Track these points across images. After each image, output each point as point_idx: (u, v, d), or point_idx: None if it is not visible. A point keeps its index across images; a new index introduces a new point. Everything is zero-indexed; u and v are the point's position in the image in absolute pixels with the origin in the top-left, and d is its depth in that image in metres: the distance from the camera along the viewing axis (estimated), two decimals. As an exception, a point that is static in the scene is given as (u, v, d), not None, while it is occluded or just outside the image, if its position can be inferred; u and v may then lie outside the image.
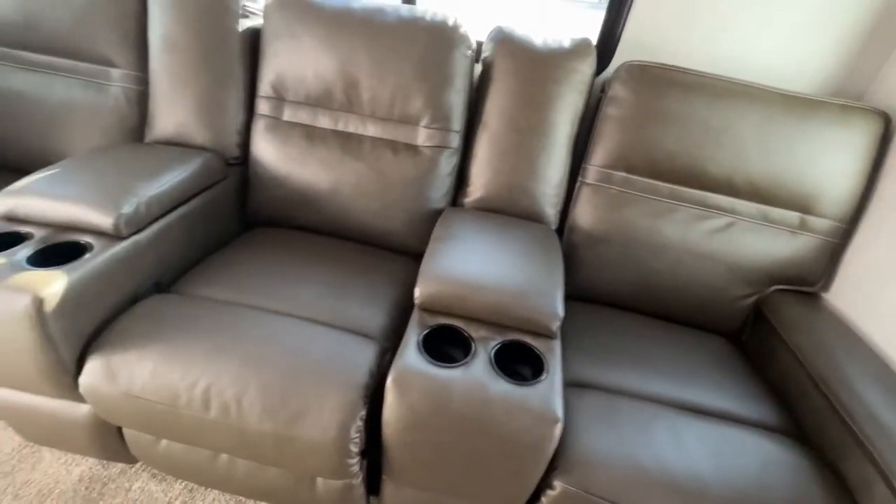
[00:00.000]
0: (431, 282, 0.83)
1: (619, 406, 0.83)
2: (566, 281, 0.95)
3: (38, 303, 0.71)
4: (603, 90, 1.12)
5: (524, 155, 1.09)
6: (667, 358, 0.99)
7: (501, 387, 0.71)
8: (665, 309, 1.12)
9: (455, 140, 1.11)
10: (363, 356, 0.82)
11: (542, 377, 0.75)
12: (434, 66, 1.05)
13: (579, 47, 1.08)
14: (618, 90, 1.07)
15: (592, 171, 1.10)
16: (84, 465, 1.04)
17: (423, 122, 1.09)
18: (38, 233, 0.85)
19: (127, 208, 0.86)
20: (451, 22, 1.05)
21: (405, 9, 1.07)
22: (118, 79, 1.18)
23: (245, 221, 1.23)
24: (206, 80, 1.12)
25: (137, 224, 0.89)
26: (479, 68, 1.14)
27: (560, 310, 0.82)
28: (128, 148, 1.09)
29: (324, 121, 1.13)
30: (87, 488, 1.00)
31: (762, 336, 1.08)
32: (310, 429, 0.73)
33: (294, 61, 1.09)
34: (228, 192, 1.16)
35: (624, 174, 1.08)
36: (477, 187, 1.12)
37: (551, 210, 1.12)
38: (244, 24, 1.12)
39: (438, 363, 0.73)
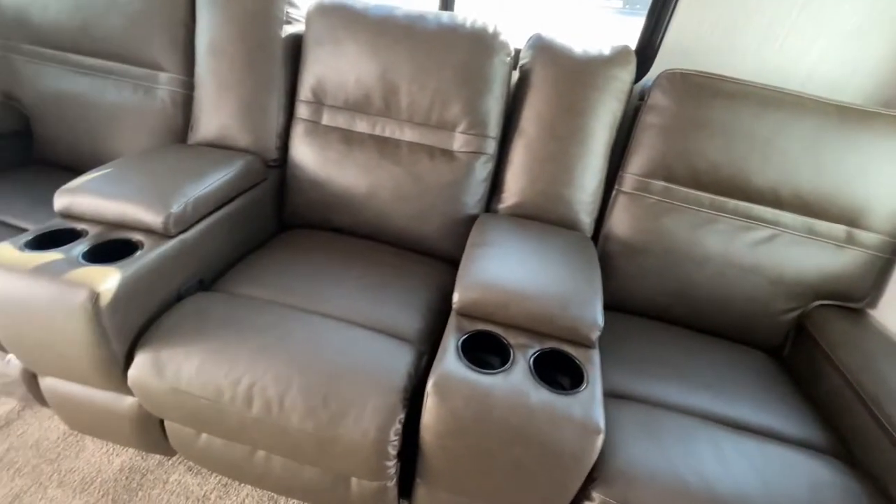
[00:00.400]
0: (471, 287, 0.83)
1: (660, 419, 0.82)
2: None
3: (95, 297, 0.74)
4: (642, 98, 1.11)
5: (561, 162, 1.08)
6: (707, 371, 0.97)
7: (543, 395, 0.71)
8: (704, 322, 1.09)
9: (491, 146, 1.11)
10: (401, 359, 0.83)
11: (582, 387, 0.74)
12: (473, 72, 1.06)
13: (619, 55, 1.07)
14: (658, 98, 1.05)
15: (630, 180, 1.08)
16: (125, 456, 1.07)
17: (460, 127, 1.10)
18: (91, 230, 0.88)
19: (176, 208, 0.89)
20: (490, 29, 1.06)
21: (446, 16, 1.08)
22: (165, 82, 1.22)
23: (282, 222, 1.25)
24: (249, 84, 1.15)
25: (185, 223, 0.92)
26: (516, 75, 1.14)
27: (600, 319, 0.81)
28: (174, 149, 1.13)
29: (361, 125, 1.14)
30: (127, 478, 1.03)
31: (805, 352, 1.04)
32: (350, 429, 0.74)
33: (335, 66, 1.12)
34: (267, 194, 1.19)
35: (663, 183, 1.06)
36: (512, 193, 1.12)
37: (587, 218, 1.11)
38: (287, 30, 1.14)
39: (479, 369, 0.73)
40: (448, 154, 1.11)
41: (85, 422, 0.99)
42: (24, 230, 1.05)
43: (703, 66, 1.05)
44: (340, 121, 1.15)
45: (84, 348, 0.78)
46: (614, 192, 1.11)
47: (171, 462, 1.07)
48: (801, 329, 1.07)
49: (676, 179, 1.06)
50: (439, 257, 1.16)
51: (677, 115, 1.04)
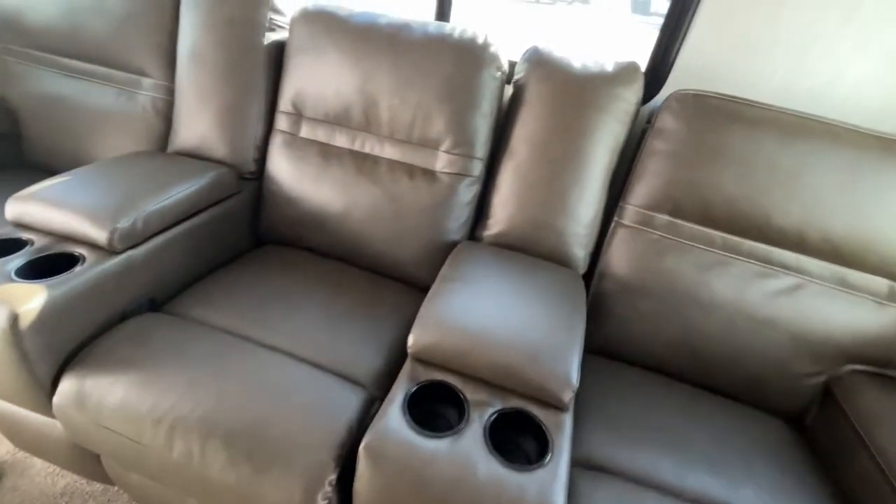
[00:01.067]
0: (429, 329, 0.73)
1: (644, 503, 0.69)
2: (592, 332, 0.82)
3: (13, 318, 0.68)
4: (649, 121, 0.98)
5: (553, 188, 0.97)
6: (711, 441, 0.83)
7: (493, 469, 0.60)
8: (711, 379, 0.95)
9: (477, 168, 1.01)
10: (346, 407, 0.73)
11: (545, 460, 0.62)
12: (459, 87, 0.96)
13: (625, 72, 0.96)
14: (667, 121, 0.93)
15: (631, 212, 0.96)
16: (69, 478, 1.01)
17: (444, 146, 1.00)
18: (38, 241, 0.83)
19: (124, 223, 0.83)
20: (480, 40, 0.97)
21: (433, 25, 1.00)
22: (148, 88, 1.18)
23: (257, 237, 1.18)
24: (228, 93, 1.09)
25: (133, 239, 0.85)
26: (510, 91, 1.04)
27: (575, 379, 0.69)
28: (145, 158, 1.08)
29: (341, 139, 1.07)
30: (67, 503, 0.97)
31: (832, 424, 0.88)
32: (273, 488, 0.65)
33: (315, 76, 1.05)
34: (242, 207, 1.12)
35: (668, 218, 0.94)
36: (498, 221, 1.01)
37: (580, 252, 0.99)
38: (270, 37, 1.08)
39: (423, 431, 0.63)
40: (430, 174, 1.02)
41: (26, 441, 0.93)
42: (-15, 235, 1.01)
43: (722, 88, 0.93)
44: (319, 134, 1.08)
45: (6, 370, 0.72)
46: (613, 225, 0.99)
47: (115, 489, 1.00)
48: (827, 396, 0.91)
49: (684, 214, 0.93)
50: (415, 285, 1.06)
51: (688, 142, 0.91)
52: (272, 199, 1.11)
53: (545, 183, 0.98)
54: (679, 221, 0.93)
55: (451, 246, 1.02)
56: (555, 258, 0.98)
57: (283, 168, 1.09)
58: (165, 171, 1.01)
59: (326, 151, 1.07)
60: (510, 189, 1.00)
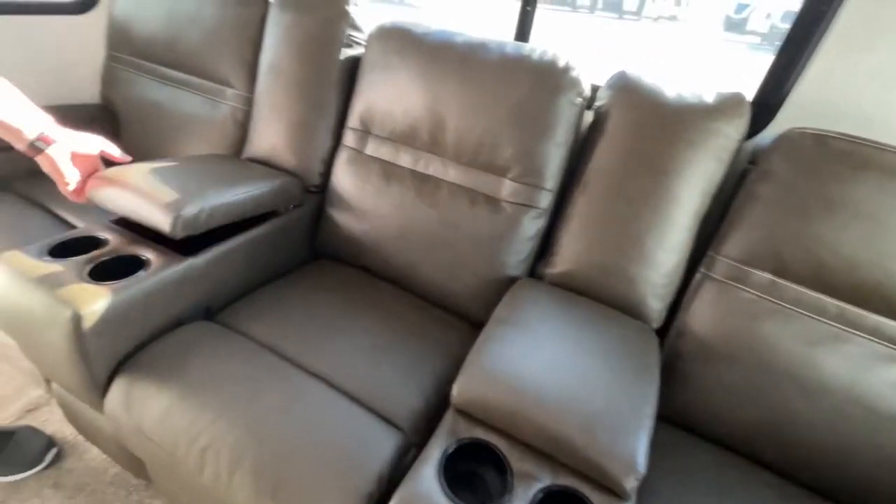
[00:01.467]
0: (475, 381, 0.66)
1: None
2: (662, 395, 0.71)
3: (77, 320, 0.70)
4: (753, 161, 0.85)
5: (630, 229, 0.87)
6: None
7: (534, 563, 0.51)
8: (810, 474, 0.79)
9: (545, 200, 0.93)
10: (380, 451, 0.68)
11: (598, 561, 0.53)
12: (532, 112, 0.89)
13: (727, 104, 0.84)
14: (776, 164, 0.80)
15: (722, 265, 0.83)
16: (119, 468, 1.05)
17: (511, 174, 0.94)
18: (112, 240, 0.87)
19: (188, 211, 0.83)
20: (560, 63, 0.89)
21: (511, 46, 0.94)
22: (230, 98, 1.23)
23: (314, 251, 1.18)
24: (301, 106, 1.10)
25: (196, 228, 0.85)
26: (590, 118, 0.95)
27: (642, 463, 0.59)
28: (219, 158, 1.11)
29: (404, 159, 1.03)
30: (113, 492, 1.00)
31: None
32: (294, 533, 0.61)
33: (385, 94, 1.03)
34: (302, 220, 1.13)
35: (770, 276, 0.80)
36: (564, 259, 0.92)
37: (656, 304, 0.88)
38: (346, 52, 1.08)
39: (457, 501, 0.56)
40: (493, 202, 0.96)
41: (83, 428, 0.98)
42: (73, 227, 1.09)
43: (846, 128, 0.78)
44: (384, 152, 1.06)
45: (67, 366, 0.75)
46: (699, 277, 0.86)
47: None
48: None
49: (790, 274, 0.79)
50: (467, 319, 1.00)
51: (802, 189, 0.77)
52: (332, 215, 1.11)
53: (621, 222, 0.87)
54: (783, 282, 0.79)
55: (510, 282, 0.94)
56: (626, 307, 0.88)
57: (346, 184, 1.08)
58: (237, 172, 1.03)
59: (389, 171, 1.04)
60: (581, 226, 0.91)
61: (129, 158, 0.88)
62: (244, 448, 0.66)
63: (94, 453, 1.08)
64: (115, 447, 0.90)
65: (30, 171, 1.27)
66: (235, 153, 1.24)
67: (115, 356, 0.78)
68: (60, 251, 0.82)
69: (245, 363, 0.78)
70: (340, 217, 1.09)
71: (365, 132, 1.07)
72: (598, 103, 0.95)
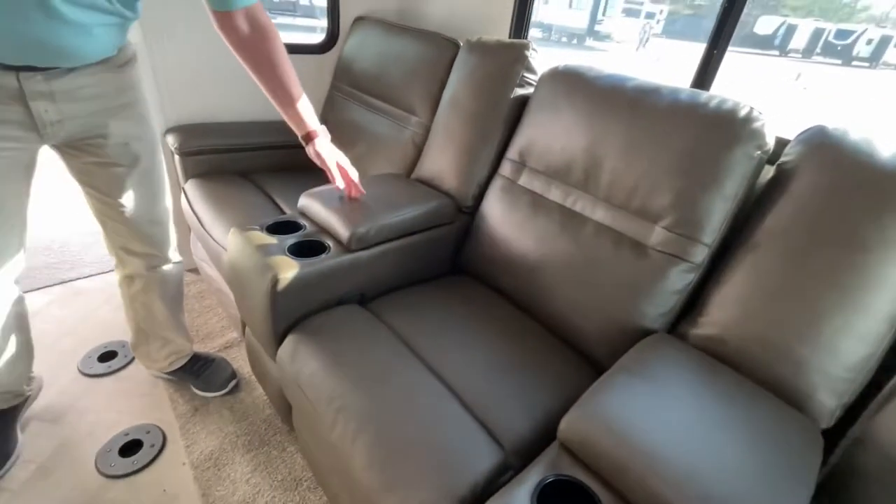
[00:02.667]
0: (586, 420, 0.65)
1: None
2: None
3: (274, 281, 0.91)
4: None
5: (808, 306, 0.75)
6: None
7: None
8: None
9: (700, 254, 0.87)
10: (480, 464, 0.71)
11: None
12: (699, 161, 0.85)
13: (975, 174, 0.67)
14: None
15: (937, 371, 0.66)
16: (272, 411, 1.28)
17: (664, 222, 0.89)
18: (309, 227, 1.10)
19: (361, 229, 1.02)
20: (741, 113, 0.83)
21: (686, 92, 0.91)
22: (413, 125, 1.44)
23: (457, 266, 1.29)
24: (470, 135, 1.23)
25: (365, 243, 1.04)
26: (770, 173, 0.86)
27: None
28: (393, 180, 1.31)
29: (555, 194, 1.07)
30: (265, 429, 1.23)
31: None
32: (392, 506, 0.68)
33: (547, 131, 1.09)
34: (451, 236, 1.24)
35: None
36: (713, 322, 0.84)
37: (829, 400, 0.73)
38: (517, 91, 1.18)
39: (544, 530, 0.56)
40: (639, 248, 0.92)
41: (258, 371, 1.23)
42: (283, 212, 1.40)
43: None
44: (536, 185, 1.11)
45: (260, 316, 0.97)
46: (897, 379, 0.69)
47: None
48: None
49: None
50: (590, 361, 0.97)
51: None
52: (478, 236, 1.20)
53: (797, 296, 0.76)
54: None
55: (644, 333, 0.89)
56: (785, 394, 0.75)
57: (495, 210, 1.16)
58: (404, 193, 1.21)
59: (538, 202, 1.09)
60: (742, 290, 0.82)
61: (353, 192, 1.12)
62: (369, 420, 0.76)
63: (259, 393, 1.34)
64: (275, 392, 1.11)
65: (268, 167, 1.66)
66: (408, 170, 1.44)
67: (291, 317, 0.98)
68: (274, 228, 1.07)
69: (382, 348, 0.90)
70: (485, 239, 1.17)
71: (521, 164, 1.15)
72: (784, 159, 0.85)
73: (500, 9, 1.43)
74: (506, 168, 1.18)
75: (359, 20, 1.71)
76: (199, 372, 1.31)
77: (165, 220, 1.12)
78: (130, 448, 1.15)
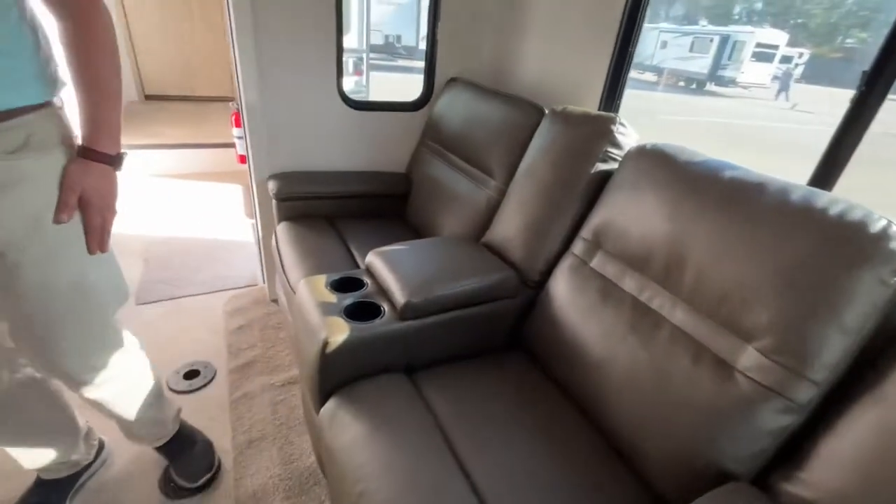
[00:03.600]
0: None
1: None
2: None
3: (325, 344, 0.93)
4: None
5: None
6: None
7: None
8: None
9: (805, 394, 0.69)
10: None
11: None
12: (811, 280, 0.69)
13: None
14: None
15: None
16: (310, 461, 1.29)
17: (759, 343, 0.74)
18: (371, 285, 1.12)
19: (416, 298, 1.01)
20: (875, 227, 0.67)
21: (801, 192, 0.76)
22: (490, 187, 1.42)
23: (514, 341, 1.21)
24: (543, 207, 1.18)
25: (420, 312, 1.02)
26: (914, 303, 0.67)
27: None
28: (459, 244, 1.29)
29: (629, 283, 0.96)
30: (306, 479, 1.24)
31: None
32: None
33: (627, 213, 0.99)
34: (511, 310, 1.18)
35: None
36: (815, 482, 0.66)
37: None
38: (598, 167, 1.10)
39: None
40: (724, 368, 0.78)
41: (307, 417, 1.26)
42: (356, 263, 1.45)
43: None
44: (609, 270, 1.01)
45: (310, 371, 1.00)
46: None
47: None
48: None
49: None
50: (651, 493, 0.82)
51: None
52: (540, 314, 1.12)
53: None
54: None
55: (721, 475, 0.73)
56: None
57: (561, 290, 1.08)
58: (468, 261, 1.18)
59: (608, 290, 0.99)
60: (861, 451, 0.64)
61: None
62: (385, 514, 0.72)
63: (307, 438, 1.36)
64: (318, 444, 1.12)
65: (353, 214, 1.75)
66: (478, 234, 1.41)
67: (338, 378, 0.98)
68: (338, 285, 1.10)
69: (417, 434, 0.86)
70: (547, 320, 1.09)
71: (595, 245, 1.06)
72: (937, 288, 0.66)
73: (592, 77, 1.38)
74: (578, 247, 1.09)
75: (452, 81, 1.77)
76: (175, 454, 1.18)
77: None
78: (190, 470, 1.24)
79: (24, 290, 0.75)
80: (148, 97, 4.06)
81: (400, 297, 1.02)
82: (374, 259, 1.17)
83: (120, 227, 2.40)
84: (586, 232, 1.08)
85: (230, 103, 1.53)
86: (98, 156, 0.75)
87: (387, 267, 1.12)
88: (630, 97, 1.38)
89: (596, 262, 1.04)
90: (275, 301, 1.95)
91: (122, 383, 0.98)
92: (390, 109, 1.82)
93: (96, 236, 0.79)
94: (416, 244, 1.26)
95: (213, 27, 3.96)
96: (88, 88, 0.73)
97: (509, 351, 1.17)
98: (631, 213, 0.99)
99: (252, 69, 1.50)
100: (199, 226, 2.55)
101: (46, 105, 0.73)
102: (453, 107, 1.68)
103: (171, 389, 1.49)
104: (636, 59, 1.35)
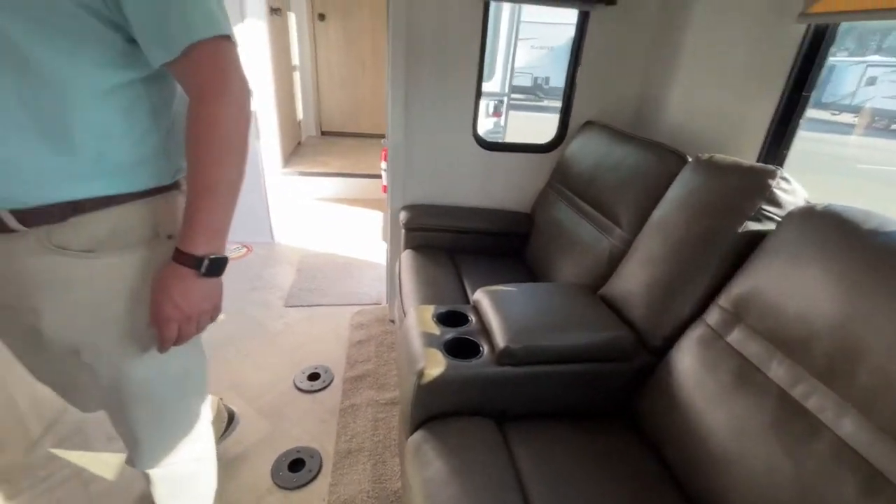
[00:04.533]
0: None
1: None
2: None
3: (421, 374, 0.95)
4: None
5: None
6: None
7: None
8: None
9: None
10: None
11: None
12: None
13: None
14: None
15: None
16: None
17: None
18: (475, 322, 1.12)
19: (516, 345, 0.98)
20: None
21: None
22: (614, 236, 1.33)
23: (622, 410, 1.08)
24: (673, 266, 1.05)
25: (518, 360, 0.99)
26: None
27: None
28: (574, 293, 1.22)
29: (776, 372, 0.78)
30: (391, 502, 1.27)
31: None
32: None
33: (781, 285, 0.82)
34: (622, 374, 1.05)
35: None
36: None
37: None
38: (748, 226, 0.95)
39: None
40: (913, 512, 0.57)
41: (399, 440, 1.29)
42: (467, 298, 1.47)
43: None
44: (751, 349, 0.84)
45: (406, 398, 1.03)
46: None
47: None
48: None
49: None
50: None
51: None
52: (656, 386, 0.98)
53: None
54: None
55: None
56: None
57: (686, 364, 0.93)
58: (580, 313, 1.11)
59: (748, 375, 0.82)
60: None
61: None
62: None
63: (398, 461, 1.40)
64: (403, 470, 1.14)
65: (473, 249, 1.80)
66: (597, 283, 1.31)
67: (430, 410, 1.00)
68: (443, 318, 1.13)
69: (496, 486, 0.82)
70: (663, 394, 0.95)
71: (735, 317, 0.89)
72: None
73: (751, 123, 1.21)
74: (713, 316, 0.94)
75: (588, 124, 1.73)
76: None
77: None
78: (296, 464, 1.37)
79: (99, 388, 0.75)
80: (323, 133, 4.83)
81: (500, 339, 1.00)
82: (481, 297, 1.17)
83: (283, 240, 2.83)
84: (725, 300, 0.93)
85: (383, 140, 1.73)
86: (183, 257, 0.65)
87: (493, 307, 1.11)
88: (815, 142, 1.17)
89: (734, 338, 0.88)
90: (392, 321, 2.08)
91: (178, 471, 0.93)
92: (522, 151, 1.85)
93: (166, 345, 0.70)
94: (528, 287, 1.23)
95: (379, 74, 4.57)
96: (192, 178, 0.64)
97: (613, 419, 1.05)
98: (787, 286, 0.82)
99: (400, 113, 1.68)
100: (344, 244, 2.89)
101: (144, 194, 0.67)
102: (585, 149, 1.63)
103: (296, 387, 1.68)
104: (829, 98, 1.14)
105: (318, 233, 3.04)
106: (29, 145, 0.55)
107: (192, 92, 0.61)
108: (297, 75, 4.19)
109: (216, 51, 0.59)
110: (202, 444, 0.96)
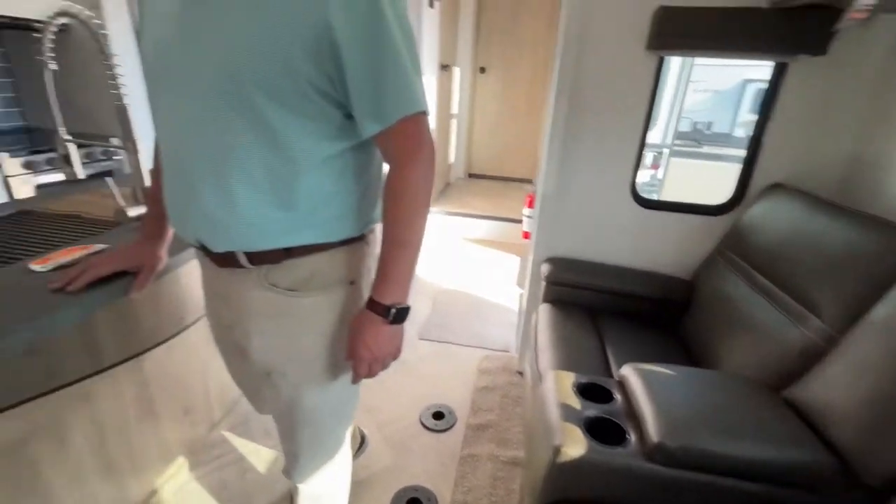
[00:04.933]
0: None
1: None
2: None
3: (557, 452, 0.89)
4: None
5: None
6: None
7: None
8: None
9: None
10: None
11: None
12: None
13: None
14: None
15: None
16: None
17: None
18: (620, 401, 1.02)
19: (672, 443, 0.85)
20: None
21: None
22: (810, 328, 1.08)
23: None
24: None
25: (674, 462, 0.85)
26: None
27: None
28: (750, 389, 1.02)
29: None
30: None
31: None
32: None
33: None
34: (820, 510, 0.83)
35: None
36: None
37: None
38: None
39: None
40: None
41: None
42: (608, 367, 1.35)
43: None
44: None
45: (534, 472, 0.97)
46: None
47: None
48: None
49: None
50: None
51: None
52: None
53: None
54: None
55: None
56: None
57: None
58: (755, 416, 0.92)
59: None
60: None
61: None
62: None
63: (517, 531, 1.31)
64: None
65: (616, 311, 1.66)
66: (777, 382, 1.08)
67: (559, 495, 0.91)
68: (584, 389, 1.05)
69: None
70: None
71: None
72: None
73: None
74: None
75: (776, 186, 1.49)
76: None
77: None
78: (414, 503, 1.38)
79: (277, 403, 0.87)
80: (470, 175, 5.09)
81: (653, 431, 0.88)
82: (630, 374, 1.06)
83: (421, 272, 3.01)
84: None
85: (526, 185, 1.74)
86: (375, 306, 0.74)
87: (645, 389, 0.99)
88: None
89: None
90: (520, 373, 2.01)
91: (319, 491, 1.01)
92: (686, 211, 1.67)
93: (358, 380, 0.82)
94: (688, 372, 1.08)
95: (529, 120, 4.68)
96: (388, 233, 0.72)
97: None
98: None
99: (555, 164, 1.67)
100: (478, 285, 2.95)
101: (341, 244, 0.76)
102: (772, 217, 1.40)
103: (422, 424, 1.72)
104: None
105: (456, 270, 3.16)
106: (263, 203, 0.67)
107: (393, 158, 0.70)
108: (454, 122, 4.54)
109: (416, 123, 0.67)
110: (342, 467, 1.04)
